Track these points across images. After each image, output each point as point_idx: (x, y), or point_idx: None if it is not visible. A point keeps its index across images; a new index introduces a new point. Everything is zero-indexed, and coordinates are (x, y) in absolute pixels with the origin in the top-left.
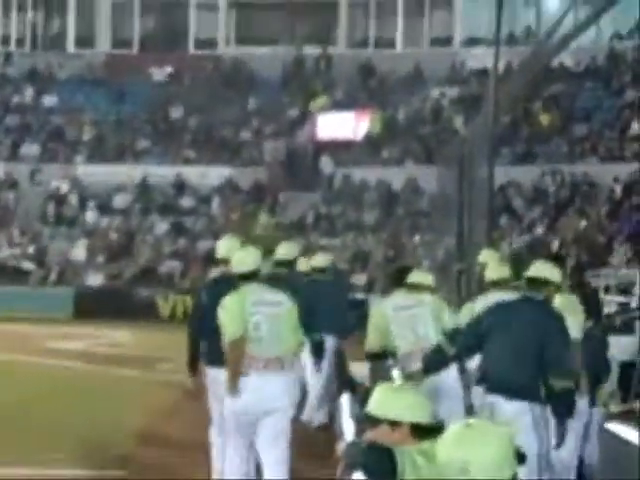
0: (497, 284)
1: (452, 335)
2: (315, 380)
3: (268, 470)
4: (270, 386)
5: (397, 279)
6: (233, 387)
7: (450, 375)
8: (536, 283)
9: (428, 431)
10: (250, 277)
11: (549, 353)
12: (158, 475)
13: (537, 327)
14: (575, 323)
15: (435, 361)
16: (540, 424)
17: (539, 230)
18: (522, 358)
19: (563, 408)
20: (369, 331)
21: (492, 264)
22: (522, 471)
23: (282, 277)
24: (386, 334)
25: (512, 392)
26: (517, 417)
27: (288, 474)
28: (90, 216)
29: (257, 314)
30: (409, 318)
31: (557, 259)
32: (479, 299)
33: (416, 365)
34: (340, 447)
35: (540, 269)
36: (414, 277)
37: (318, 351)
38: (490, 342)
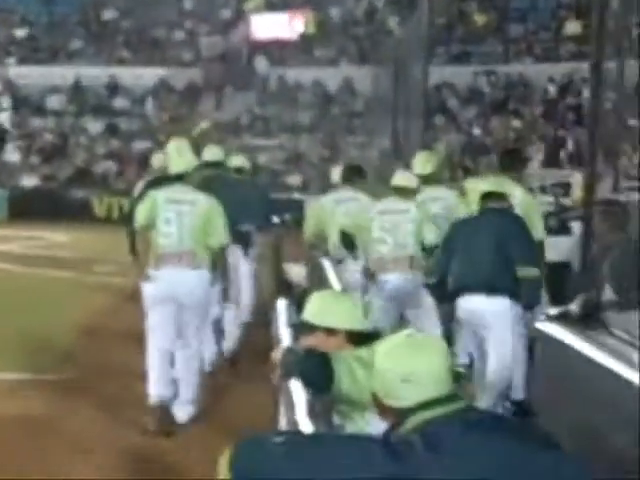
0: (427, 180)
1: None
2: (246, 268)
3: (179, 368)
4: (183, 277)
5: (346, 177)
6: (145, 275)
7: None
8: (494, 196)
9: (364, 338)
10: (178, 178)
11: (516, 248)
12: (98, 373)
13: (502, 230)
14: (539, 224)
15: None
16: (519, 323)
17: (475, 131)
18: (497, 258)
19: (532, 297)
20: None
21: (417, 161)
22: (497, 364)
23: (210, 178)
24: (321, 226)
25: (495, 290)
26: (500, 314)
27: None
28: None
29: (169, 211)
30: (392, 224)
31: (516, 153)
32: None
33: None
34: (276, 354)
35: (494, 185)
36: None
37: (243, 240)
38: (462, 251)
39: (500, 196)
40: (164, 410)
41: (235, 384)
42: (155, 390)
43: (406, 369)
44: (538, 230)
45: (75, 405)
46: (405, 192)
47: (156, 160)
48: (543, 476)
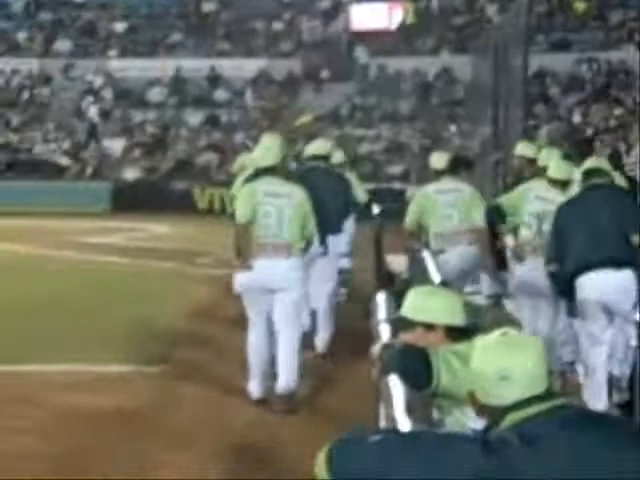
0: (558, 182)
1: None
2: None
3: (280, 350)
4: (277, 267)
5: (451, 167)
6: (243, 262)
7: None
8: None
9: (463, 333)
10: (269, 171)
11: (631, 221)
12: (200, 366)
13: (616, 204)
14: None
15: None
16: None
17: (576, 118)
18: (618, 232)
19: None
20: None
21: (553, 163)
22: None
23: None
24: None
25: (621, 264)
26: (628, 289)
27: (297, 356)
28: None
29: (267, 204)
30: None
31: (587, 142)
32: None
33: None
34: (375, 349)
35: (595, 162)
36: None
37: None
38: (580, 230)
39: (602, 172)
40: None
41: (337, 376)
42: (254, 388)
43: (503, 368)
44: None
45: (177, 398)
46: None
47: (242, 161)
48: (634, 476)
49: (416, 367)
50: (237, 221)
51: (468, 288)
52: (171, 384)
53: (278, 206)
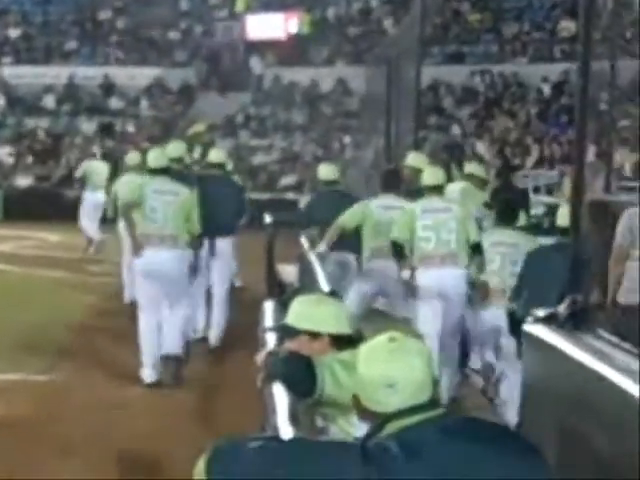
0: (434, 189)
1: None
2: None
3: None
4: (163, 255)
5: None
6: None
7: None
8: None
9: (348, 341)
10: (160, 172)
11: None
12: (87, 374)
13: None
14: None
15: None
16: None
17: (455, 130)
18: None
19: None
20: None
21: (427, 169)
22: None
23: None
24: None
25: None
26: None
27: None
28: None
29: (155, 200)
30: (436, 222)
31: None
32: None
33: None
34: (260, 356)
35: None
36: (431, 179)
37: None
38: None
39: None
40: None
41: (223, 385)
42: (147, 373)
43: (389, 375)
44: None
45: (62, 407)
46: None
47: (130, 159)
48: None
49: (299, 374)
50: (121, 205)
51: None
52: (57, 393)
53: (164, 202)
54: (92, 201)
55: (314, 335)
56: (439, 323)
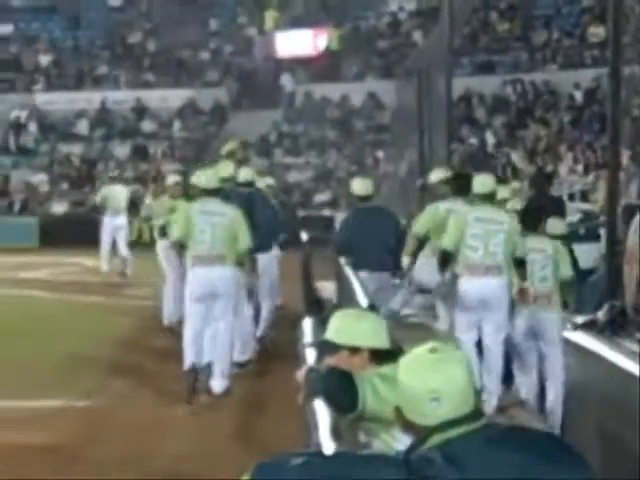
0: (485, 198)
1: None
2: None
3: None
4: (213, 274)
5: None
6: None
7: None
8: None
9: (388, 355)
10: (208, 193)
11: None
12: (124, 403)
13: None
14: None
15: None
16: None
17: (472, 140)
18: None
19: None
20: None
21: (478, 177)
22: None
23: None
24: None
25: None
26: None
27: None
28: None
29: (203, 222)
30: (486, 232)
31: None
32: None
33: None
34: (300, 373)
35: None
36: (481, 187)
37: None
38: None
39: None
40: (195, 376)
41: (265, 403)
42: (188, 359)
43: (433, 387)
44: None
45: (105, 430)
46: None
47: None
48: None
49: (341, 390)
50: (172, 239)
51: None
52: (96, 417)
53: (212, 223)
54: (112, 225)
55: (354, 350)
56: (476, 333)
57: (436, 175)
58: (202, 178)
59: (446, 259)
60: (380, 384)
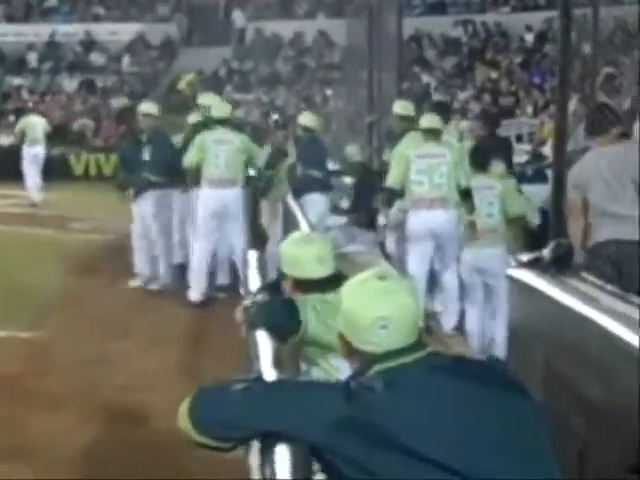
0: (430, 133)
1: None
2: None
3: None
4: (228, 194)
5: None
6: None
7: None
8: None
9: (331, 282)
10: (221, 122)
11: None
12: (73, 332)
13: None
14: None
15: None
16: None
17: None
18: None
19: None
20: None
21: (425, 115)
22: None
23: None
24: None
25: None
26: None
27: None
28: None
29: (217, 149)
30: (429, 166)
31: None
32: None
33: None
34: (238, 311)
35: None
36: (427, 122)
37: None
38: None
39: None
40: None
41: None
42: (195, 295)
43: (383, 314)
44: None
45: (50, 363)
46: (435, 134)
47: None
48: (503, 417)
49: (282, 315)
50: (184, 164)
51: None
52: (44, 349)
53: (224, 150)
54: (30, 155)
55: (296, 279)
56: (428, 264)
57: (401, 107)
58: (214, 108)
59: (391, 197)
60: (322, 308)
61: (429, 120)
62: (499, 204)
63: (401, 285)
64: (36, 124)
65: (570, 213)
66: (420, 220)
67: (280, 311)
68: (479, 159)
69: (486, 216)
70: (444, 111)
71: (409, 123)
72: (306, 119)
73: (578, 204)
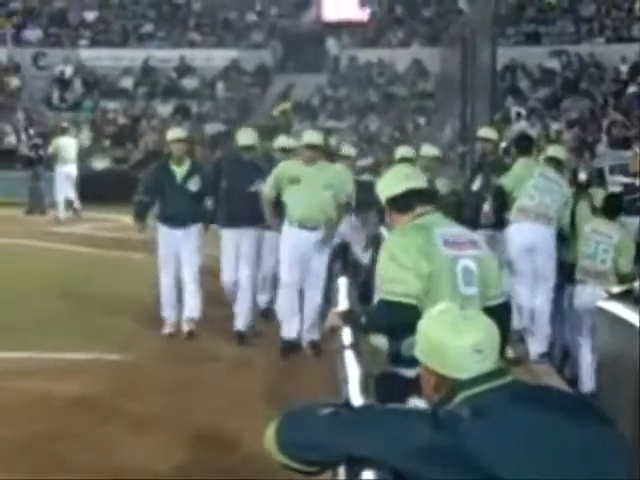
0: (552, 161)
1: None
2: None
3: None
4: (307, 237)
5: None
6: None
7: None
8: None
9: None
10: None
11: None
12: (159, 359)
13: None
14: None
15: None
16: None
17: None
18: None
19: None
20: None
21: (551, 146)
22: None
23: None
24: None
25: None
26: None
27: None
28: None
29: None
30: (547, 188)
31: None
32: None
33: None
34: (333, 314)
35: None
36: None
37: None
38: None
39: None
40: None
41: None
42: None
43: (476, 339)
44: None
45: (140, 385)
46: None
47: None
48: (588, 449)
49: (403, 314)
50: (264, 197)
51: None
52: (134, 371)
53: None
54: (63, 174)
55: None
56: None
57: (487, 132)
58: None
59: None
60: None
61: (555, 150)
62: (612, 253)
63: (480, 314)
64: (67, 144)
65: None
66: (521, 232)
67: (398, 310)
68: (611, 207)
69: (601, 262)
70: (527, 143)
71: (492, 146)
72: (402, 153)
73: None
